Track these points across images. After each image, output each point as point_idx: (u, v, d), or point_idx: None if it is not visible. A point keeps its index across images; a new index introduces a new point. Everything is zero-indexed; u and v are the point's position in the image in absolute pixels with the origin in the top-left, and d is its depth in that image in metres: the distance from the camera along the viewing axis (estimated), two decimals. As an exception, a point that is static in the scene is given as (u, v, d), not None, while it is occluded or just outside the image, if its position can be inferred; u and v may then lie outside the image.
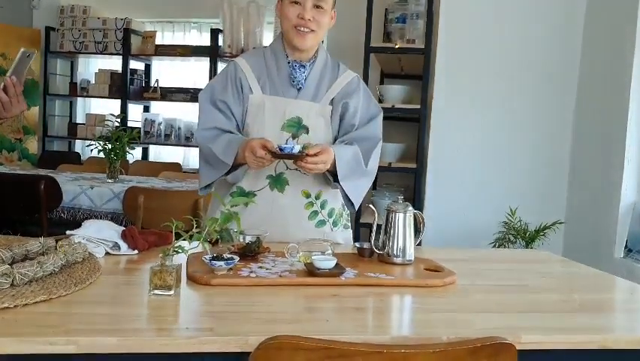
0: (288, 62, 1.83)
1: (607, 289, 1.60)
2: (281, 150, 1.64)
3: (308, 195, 1.83)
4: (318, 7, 1.75)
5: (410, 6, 3.53)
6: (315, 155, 1.65)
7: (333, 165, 1.73)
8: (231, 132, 1.80)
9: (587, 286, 1.57)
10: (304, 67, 1.83)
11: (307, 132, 1.81)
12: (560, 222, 3.26)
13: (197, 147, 6.45)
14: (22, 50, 1.63)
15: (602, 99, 3.19)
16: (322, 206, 1.85)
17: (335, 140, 1.87)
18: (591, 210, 3.22)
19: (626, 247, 2.99)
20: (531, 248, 3.10)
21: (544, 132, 3.43)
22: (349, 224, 1.98)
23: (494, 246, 3.24)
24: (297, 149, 1.65)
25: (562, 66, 3.39)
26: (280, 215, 1.79)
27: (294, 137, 1.80)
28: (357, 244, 1.68)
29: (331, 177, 1.79)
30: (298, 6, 1.74)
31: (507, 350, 1.02)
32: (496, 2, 3.40)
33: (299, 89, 1.82)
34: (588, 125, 3.31)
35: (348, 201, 1.85)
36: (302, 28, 1.76)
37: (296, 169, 1.77)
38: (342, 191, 1.81)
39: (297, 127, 1.81)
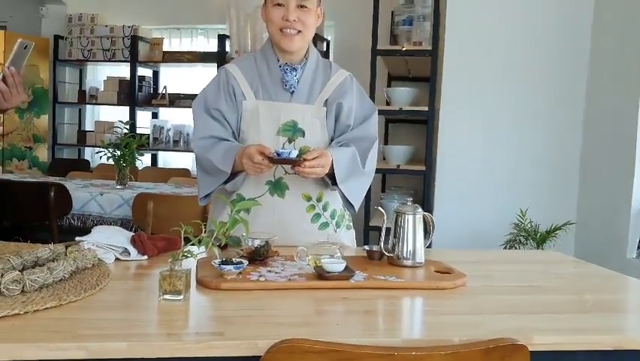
0: (280, 66, 1.81)
1: (620, 289, 1.58)
2: (278, 155, 1.63)
3: (309, 198, 1.82)
4: (302, 7, 1.73)
5: (416, 8, 3.52)
6: (313, 159, 1.65)
7: (331, 167, 1.72)
8: (228, 140, 1.79)
9: (600, 287, 1.55)
10: (295, 70, 1.81)
11: (303, 135, 1.80)
12: (571, 223, 3.24)
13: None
14: (19, 40, 1.62)
15: (612, 98, 3.17)
16: (324, 208, 1.84)
17: (331, 141, 1.85)
18: (602, 210, 3.19)
19: (638, 247, 2.96)
20: (542, 249, 3.08)
21: (553, 132, 3.41)
22: (351, 224, 1.97)
23: (505, 247, 3.22)
24: (294, 153, 1.64)
25: (571, 65, 3.37)
26: (282, 220, 1.78)
27: (290, 141, 1.79)
28: (366, 247, 1.67)
29: (329, 179, 1.78)
30: (282, 8, 1.73)
31: (519, 351, 1.01)
32: (502, 3, 3.39)
33: (292, 93, 1.81)
34: (598, 125, 3.29)
35: (347, 203, 1.84)
36: (287, 30, 1.74)
37: (295, 173, 1.75)
38: (341, 193, 1.81)
39: (292, 131, 1.79)
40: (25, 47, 1.63)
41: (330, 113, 1.83)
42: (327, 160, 1.69)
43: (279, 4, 1.73)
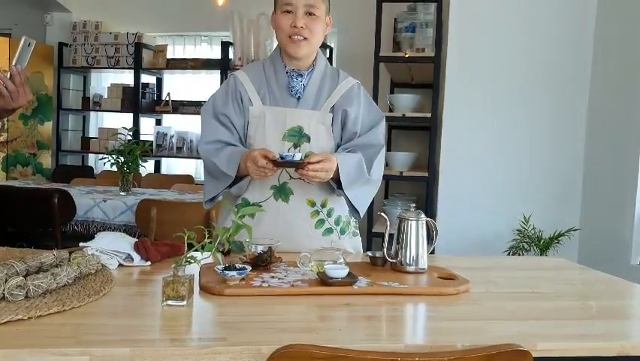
0: (286, 72, 1.83)
1: (624, 295, 1.58)
2: (282, 158, 1.64)
3: (313, 204, 1.82)
4: (310, 14, 1.75)
5: (419, 15, 3.53)
6: (317, 163, 1.66)
7: (337, 172, 1.73)
8: (234, 145, 1.81)
9: (604, 293, 1.55)
10: (301, 75, 1.83)
11: (309, 141, 1.81)
12: (575, 230, 3.23)
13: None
14: (23, 38, 1.62)
15: (615, 104, 3.17)
16: (329, 214, 1.85)
17: (337, 148, 1.87)
18: (606, 216, 3.18)
19: (642, 253, 2.95)
20: (545, 256, 3.07)
21: (556, 138, 3.41)
22: (358, 231, 1.97)
23: (508, 254, 3.22)
24: (298, 156, 1.66)
25: (573, 72, 3.38)
26: (286, 225, 1.79)
27: (295, 146, 1.80)
28: (369, 253, 1.68)
29: (335, 184, 1.79)
30: (290, 15, 1.75)
31: (523, 357, 1.01)
32: (505, 9, 3.40)
33: (298, 98, 1.82)
34: (602, 131, 3.29)
35: (352, 209, 1.84)
36: (295, 37, 1.76)
37: (300, 178, 1.76)
38: (347, 199, 1.81)
39: (298, 136, 1.81)
40: (28, 45, 1.62)
41: (336, 119, 1.84)
42: (332, 165, 1.70)
43: (287, 11, 1.75)
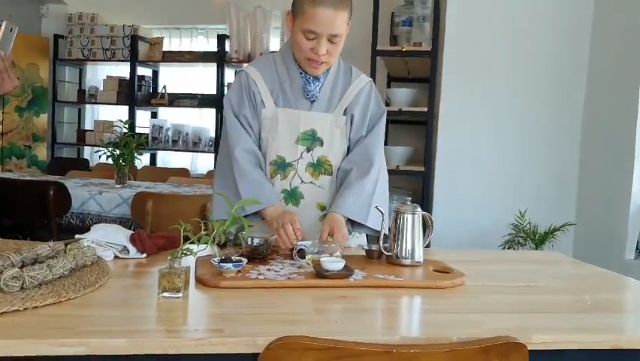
0: (300, 73, 1.78)
1: (619, 289, 1.59)
2: (302, 250, 1.57)
3: (323, 208, 1.81)
4: (333, 42, 1.68)
5: (416, 9, 3.52)
6: (330, 235, 1.63)
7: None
8: (258, 157, 1.77)
9: (599, 287, 1.55)
10: (318, 79, 1.79)
11: (321, 145, 1.79)
12: (570, 224, 3.24)
13: (203, 152, 6.27)
14: (4, 22, 1.55)
15: (612, 99, 3.18)
16: None
17: (348, 149, 1.85)
18: (601, 211, 3.19)
19: (637, 248, 2.97)
20: (541, 250, 3.08)
21: (552, 133, 3.41)
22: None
23: (503, 248, 3.23)
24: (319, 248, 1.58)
25: (570, 67, 3.38)
26: None
27: (308, 150, 1.79)
28: (365, 246, 1.68)
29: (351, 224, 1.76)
30: (313, 41, 1.67)
31: (518, 349, 1.01)
32: (502, 4, 3.39)
33: (312, 101, 1.79)
34: (597, 126, 3.30)
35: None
36: (314, 62, 1.71)
37: (311, 182, 1.77)
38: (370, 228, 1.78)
39: (311, 140, 1.79)
40: (10, 30, 1.55)
41: (348, 121, 1.83)
42: (339, 227, 1.67)
43: (310, 38, 1.67)
